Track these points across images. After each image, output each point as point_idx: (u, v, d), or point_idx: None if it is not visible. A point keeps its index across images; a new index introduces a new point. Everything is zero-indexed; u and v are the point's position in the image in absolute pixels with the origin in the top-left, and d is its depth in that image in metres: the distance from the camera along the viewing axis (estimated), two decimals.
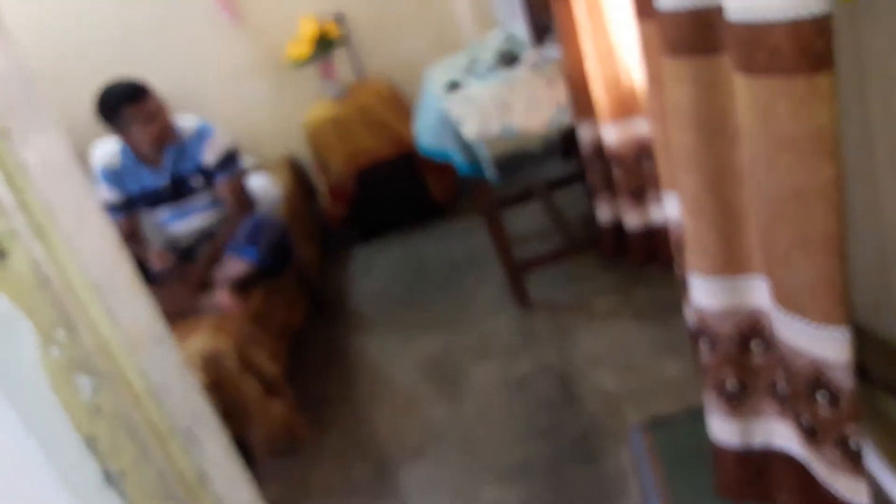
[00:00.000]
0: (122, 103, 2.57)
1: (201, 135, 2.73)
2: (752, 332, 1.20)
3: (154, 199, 2.79)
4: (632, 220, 2.41)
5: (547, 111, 2.50)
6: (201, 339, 2.30)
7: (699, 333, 1.28)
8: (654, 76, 1.36)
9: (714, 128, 1.05)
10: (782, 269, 0.98)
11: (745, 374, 1.24)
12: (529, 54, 2.71)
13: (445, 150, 2.67)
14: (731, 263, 1.15)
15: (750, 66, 0.89)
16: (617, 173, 2.34)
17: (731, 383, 1.26)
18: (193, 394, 1.37)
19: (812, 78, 0.83)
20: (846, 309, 0.92)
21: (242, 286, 2.57)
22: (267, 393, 2.35)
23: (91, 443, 1.14)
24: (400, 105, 3.69)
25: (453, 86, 2.73)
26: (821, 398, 1.01)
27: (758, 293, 1.15)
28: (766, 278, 1.06)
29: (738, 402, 1.27)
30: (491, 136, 2.47)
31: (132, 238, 2.78)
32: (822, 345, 0.97)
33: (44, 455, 1.09)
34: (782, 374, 1.11)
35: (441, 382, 2.59)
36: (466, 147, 2.55)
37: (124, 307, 1.26)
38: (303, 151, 3.86)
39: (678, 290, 1.54)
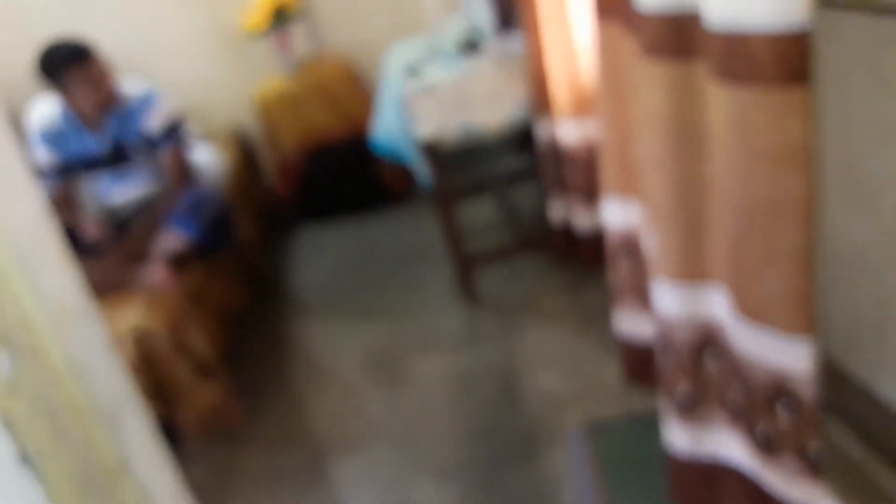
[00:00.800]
0: (66, 64, 2.46)
1: (146, 101, 2.63)
2: (705, 341, 1.21)
3: (93, 164, 2.67)
4: (582, 220, 2.39)
5: (507, 107, 2.47)
6: (133, 316, 2.20)
7: (656, 338, 1.28)
8: (611, 78, 1.34)
9: (685, 134, 1.04)
10: (750, 278, 0.98)
11: (696, 382, 1.24)
12: (492, 45, 2.66)
13: (399, 150, 2.62)
14: (693, 271, 1.14)
15: (727, 75, 0.89)
16: (570, 173, 2.32)
17: (682, 390, 1.26)
18: (118, 374, 1.30)
19: (789, 91, 0.83)
20: (812, 318, 0.93)
21: (179, 262, 2.47)
22: (199, 375, 2.27)
23: (7, 420, 1.08)
24: (357, 85, 3.60)
25: (412, 71, 2.67)
26: (781, 409, 1.02)
27: (715, 303, 1.15)
28: (728, 288, 1.05)
29: (688, 409, 1.27)
30: (449, 135, 2.43)
31: (67, 205, 2.65)
32: (786, 354, 0.97)
33: None
34: (737, 386, 1.11)
35: (382, 374, 2.54)
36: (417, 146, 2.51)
37: (50, 281, 1.18)
38: (251, 125, 3.75)
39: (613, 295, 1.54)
